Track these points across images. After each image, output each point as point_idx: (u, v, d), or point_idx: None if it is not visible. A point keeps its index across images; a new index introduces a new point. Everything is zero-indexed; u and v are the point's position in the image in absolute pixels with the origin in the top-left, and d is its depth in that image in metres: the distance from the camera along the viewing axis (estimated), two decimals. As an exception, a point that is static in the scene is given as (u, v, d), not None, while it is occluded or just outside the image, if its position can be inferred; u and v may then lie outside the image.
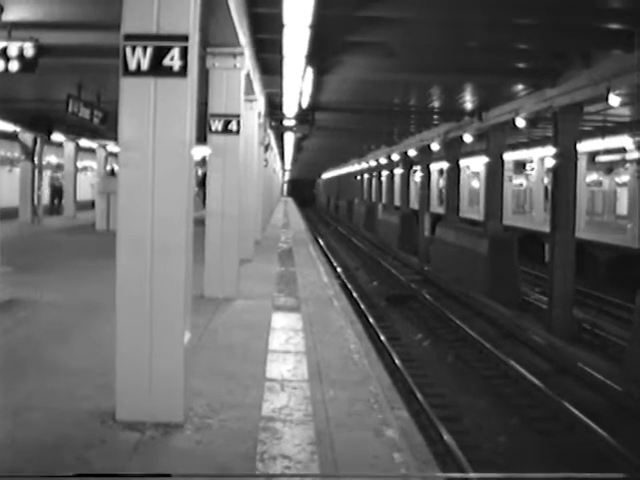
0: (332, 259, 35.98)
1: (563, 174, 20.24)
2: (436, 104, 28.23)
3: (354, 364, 9.36)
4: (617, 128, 29.56)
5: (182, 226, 6.66)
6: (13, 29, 13.85)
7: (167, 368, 6.63)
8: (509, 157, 37.42)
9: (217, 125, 13.59)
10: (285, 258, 22.13)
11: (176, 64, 6.50)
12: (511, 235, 28.10)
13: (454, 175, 33.96)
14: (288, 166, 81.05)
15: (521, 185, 47.74)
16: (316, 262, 22.05)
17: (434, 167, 46.39)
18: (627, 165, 34.17)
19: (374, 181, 62.43)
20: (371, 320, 21.00)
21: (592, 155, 36.25)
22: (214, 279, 13.67)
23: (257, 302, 13.77)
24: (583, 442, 12.32)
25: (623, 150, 32.97)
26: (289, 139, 39.58)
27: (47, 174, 43.90)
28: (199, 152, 22.87)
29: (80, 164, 43.64)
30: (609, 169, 41.97)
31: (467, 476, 10.20)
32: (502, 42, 16.72)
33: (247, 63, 14.08)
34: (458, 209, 34.25)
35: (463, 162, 38.05)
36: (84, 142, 39.73)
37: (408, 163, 44.60)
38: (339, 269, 32.70)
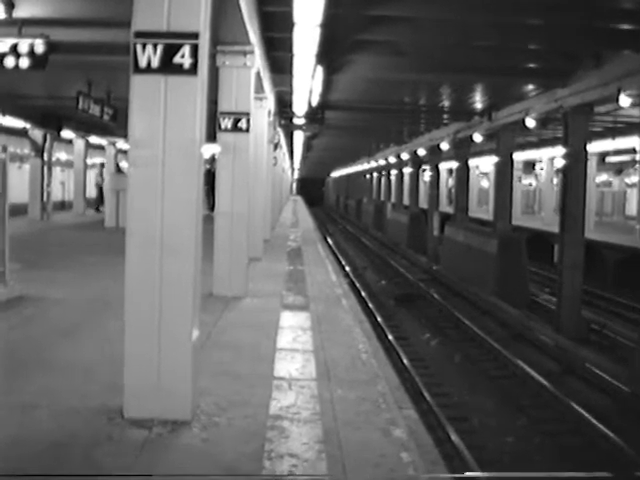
0: (341, 258, 35.99)
1: (573, 175, 20.20)
2: (446, 103, 28.21)
3: (362, 363, 9.35)
4: (627, 129, 29.53)
5: (191, 224, 6.67)
6: (24, 26, 13.87)
7: (175, 366, 6.64)
8: (519, 157, 37.41)
9: (227, 123, 13.58)
10: (294, 257, 22.13)
11: (186, 62, 6.50)
12: (520, 235, 28.06)
13: (463, 175, 33.92)
14: (297, 165, 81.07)
15: (530, 185, 47.72)
16: (325, 261, 22.06)
17: (443, 167, 46.39)
18: (637, 166, 34.15)
19: (383, 180, 62.44)
20: (379, 319, 21.00)
21: (602, 156, 36.24)
22: (223, 277, 13.68)
23: (266, 300, 13.78)
24: (590, 443, 12.31)
25: (633, 151, 32.96)
26: (299, 138, 39.57)
27: (92, 173, 44.31)
28: (208, 150, 22.89)
29: (90, 161, 43.71)
30: (619, 170, 41.96)
31: (476, 475, 10.21)
32: (512, 42, 16.69)
33: (257, 61, 14.08)
34: (467, 209, 34.21)
35: (473, 162, 38.05)
36: (94, 139, 39.79)
37: (417, 162, 44.57)
38: (348, 268, 32.72)
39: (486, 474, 10.36)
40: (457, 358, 17.97)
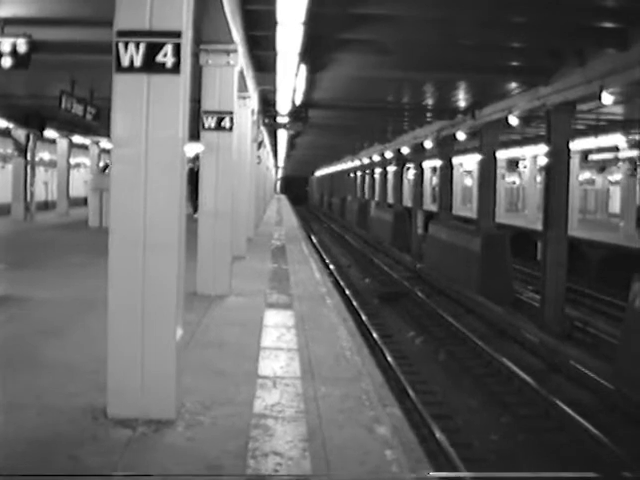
0: (325, 256, 36.00)
1: (556, 172, 20.27)
2: (429, 102, 28.26)
3: (346, 361, 9.36)
4: (610, 126, 29.63)
5: (175, 223, 6.66)
6: (6, 25, 13.83)
7: (159, 365, 6.62)
8: (502, 155, 37.49)
9: (210, 122, 13.56)
10: (278, 255, 22.12)
11: (169, 61, 6.49)
12: (503, 233, 28.12)
13: (447, 173, 33.98)
14: (281, 163, 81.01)
15: (514, 183, 47.87)
16: (309, 259, 22.05)
17: (427, 165, 46.44)
18: (620, 163, 34.28)
19: (367, 179, 62.50)
20: (363, 317, 21.02)
21: (585, 153, 36.39)
22: (206, 276, 13.66)
23: (249, 299, 13.77)
24: (574, 440, 12.35)
25: (616, 149, 33.08)
26: (282, 136, 39.56)
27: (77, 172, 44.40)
28: (192, 149, 22.86)
29: (73, 161, 43.60)
30: (602, 167, 42.11)
31: (461, 475, 10.22)
32: (495, 40, 16.73)
33: (240, 60, 14.05)
34: (451, 206, 34.28)
35: (456, 160, 38.09)
36: (77, 138, 39.69)
37: (401, 161, 44.63)
38: (332, 266, 32.73)
39: (471, 474, 10.37)
40: (441, 356, 18.02)
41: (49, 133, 35.23)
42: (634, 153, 31.61)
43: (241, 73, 15.02)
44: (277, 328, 11.16)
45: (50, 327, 10.55)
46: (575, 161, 32.66)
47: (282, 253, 22.96)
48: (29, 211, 34.45)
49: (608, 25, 15.17)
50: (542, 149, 29.88)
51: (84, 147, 44.33)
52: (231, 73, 13.64)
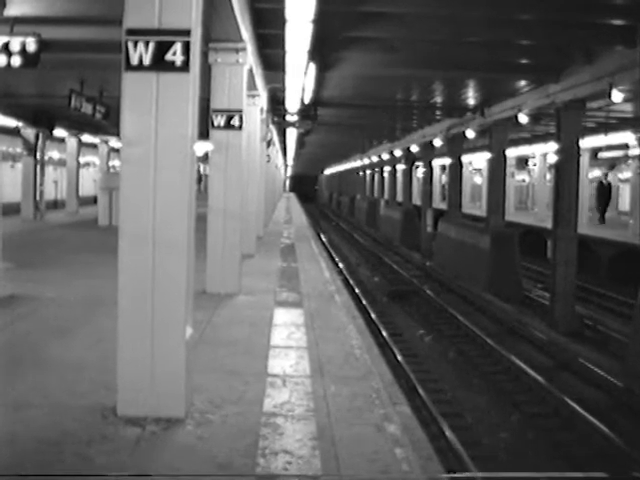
0: (334, 255, 35.96)
1: (565, 170, 20.22)
2: (438, 100, 28.22)
3: (356, 360, 9.36)
4: (620, 124, 29.55)
5: (184, 222, 6.67)
6: (15, 24, 13.84)
7: (168, 363, 6.64)
8: (512, 153, 37.44)
9: (219, 120, 13.58)
10: (287, 254, 22.13)
11: (178, 59, 6.50)
12: (512, 231, 28.05)
13: (456, 171, 33.91)
14: (290, 162, 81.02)
15: (523, 181, 47.84)
16: (318, 258, 22.05)
17: (436, 163, 46.40)
18: (629, 161, 34.20)
19: (376, 177, 62.44)
20: (373, 316, 20.99)
21: (595, 151, 36.31)
22: (216, 275, 13.68)
23: (259, 297, 13.78)
24: (584, 438, 12.32)
25: (625, 146, 32.99)
26: (291, 135, 39.55)
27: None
28: (201, 148, 22.86)
29: (82, 160, 43.66)
30: (611, 165, 42.02)
31: (471, 475, 10.19)
32: (504, 38, 16.71)
33: (249, 58, 14.07)
34: (460, 205, 34.21)
35: (466, 158, 38.06)
36: (86, 137, 39.76)
37: (410, 159, 44.56)
38: (341, 265, 32.70)
39: (481, 474, 10.34)
40: (450, 354, 17.98)
41: (58, 132, 35.33)
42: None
43: (250, 71, 15.04)
44: (286, 326, 11.17)
45: (59, 326, 10.58)
46: (585, 159, 32.59)
47: (291, 251, 22.97)
48: (39, 210, 34.55)
49: (617, 22, 15.13)
50: (552, 147, 29.81)
51: (93, 146, 44.37)
52: (240, 71, 13.67)
